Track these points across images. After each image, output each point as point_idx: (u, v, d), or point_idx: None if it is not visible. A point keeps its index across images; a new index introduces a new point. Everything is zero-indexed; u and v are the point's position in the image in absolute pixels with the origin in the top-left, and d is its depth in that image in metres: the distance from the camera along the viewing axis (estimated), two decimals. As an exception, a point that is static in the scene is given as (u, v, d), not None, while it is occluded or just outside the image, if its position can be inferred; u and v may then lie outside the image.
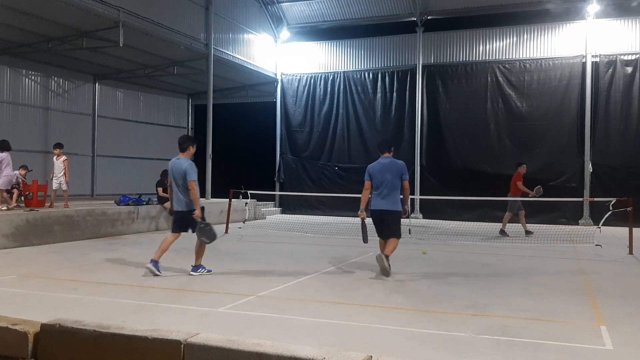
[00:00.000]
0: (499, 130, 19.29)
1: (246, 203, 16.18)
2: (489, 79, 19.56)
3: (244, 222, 15.30)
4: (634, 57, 18.09)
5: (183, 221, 7.90)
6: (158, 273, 7.75)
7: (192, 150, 8.06)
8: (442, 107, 20.25)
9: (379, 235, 8.29)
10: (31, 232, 10.88)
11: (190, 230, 7.88)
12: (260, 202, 18.59)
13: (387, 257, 7.92)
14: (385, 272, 7.91)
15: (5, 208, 11.82)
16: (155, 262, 7.81)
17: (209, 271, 8.03)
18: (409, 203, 8.65)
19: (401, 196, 8.28)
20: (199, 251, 7.96)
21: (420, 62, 20.51)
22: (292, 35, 22.56)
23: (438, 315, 5.79)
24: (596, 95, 18.30)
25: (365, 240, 8.33)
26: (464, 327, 5.23)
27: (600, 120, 18.27)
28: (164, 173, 15.21)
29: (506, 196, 14.98)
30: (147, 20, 15.60)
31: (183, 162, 7.83)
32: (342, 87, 21.67)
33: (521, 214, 14.27)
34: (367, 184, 8.37)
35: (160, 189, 14.79)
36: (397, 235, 8.15)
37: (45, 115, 18.66)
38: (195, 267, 8.00)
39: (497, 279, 8.12)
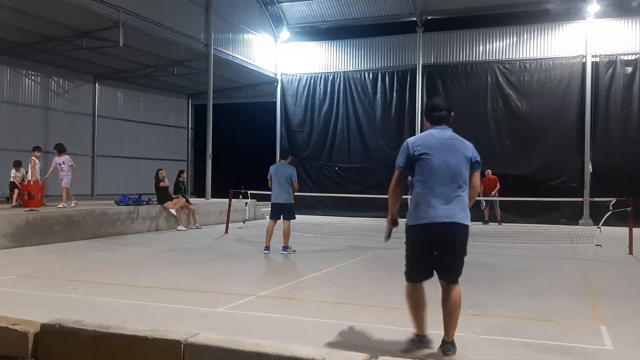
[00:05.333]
0: (499, 130, 19.29)
1: (246, 203, 16.17)
2: (489, 79, 19.56)
3: (244, 222, 15.29)
4: (634, 57, 18.09)
5: (280, 210, 10.12)
6: (267, 252, 10.22)
7: (290, 158, 10.47)
8: (442, 107, 20.21)
9: (424, 275, 4.68)
10: (31, 232, 10.87)
11: (281, 217, 10.15)
12: (260, 202, 18.55)
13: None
14: None
15: (73, 204, 12.43)
16: (267, 247, 10.26)
17: (294, 250, 10.26)
18: None
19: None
20: (287, 235, 10.13)
21: (420, 62, 20.51)
22: (292, 35, 22.56)
23: (438, 315, 5.78)
24: (596, 95, 18.30)
25: None
26: (464, 327, 5.22)
27: (600, 120, 18.27)
28: (158, 171, 15.26)
29: (508, 196, 15.60)
30: (147, 20, 15.60)
31: (288, 166, 10.17)
32: (342, 87, 21.68)
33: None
34: (402, 174, 4.60)
35: (162, 186, 14.80)
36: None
37: (45, 115, 18.65)
38: (285, 247, 10.20)
39: (497, 279, 8.11)
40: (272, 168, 10.32)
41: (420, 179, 4.34)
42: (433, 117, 4.53)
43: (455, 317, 4.49)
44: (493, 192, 17.37)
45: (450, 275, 4.53)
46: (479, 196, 16.47)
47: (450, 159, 4.30)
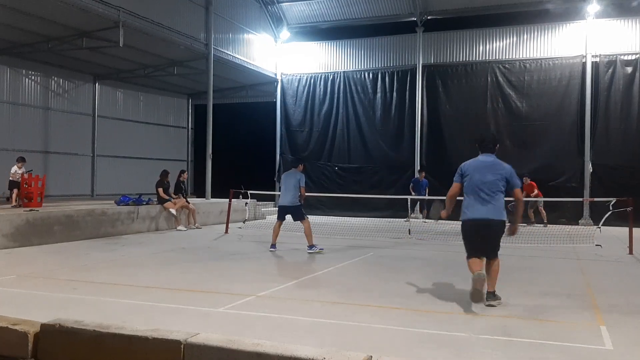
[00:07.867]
0: (499, 130, 19.24)
1: (246, 203, 16.17)
2: (489, 79, 19.57)
3: (244, 222, 15.29)
4: (634, 57, 18.10)
5: (285, 212, 10.63)
6: (272, 250, 10.50)
7: (300, 167, 10.93)
8: (442, 107, 20.26)
9: (472, 253, 6.30)
10: (31, 232, 10.87)
11: (292, 218, 10.67)
12: (260, 202, 18.57)
13: (488, 291, 6.13)
14: (478, 297, 5.92)
15: None
16: (273, 245, 10.58)
17: (321, 249, 10.32)
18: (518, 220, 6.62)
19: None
20: (308, 235, 10.34)
21: (420, 62, 20.52)
22: (292, 35, 22.56)
23: (438, 315, 5.79)
24: (596, 95, 18.31)
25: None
26: (464, 327, 5.23)
27: (600, 120, 18.28)
28: (164, 173, 15.21)
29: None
30: (147, 20, 15.60)
31: (298, 173, 10.67)
32: (342, 87, 21.69)
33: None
34: (456, 186, 6.47)
35: (160, 189, 14.77)
36: (497, 253, 6.34)
37: (45, 115, 18.66)
38: (310, 247, 10.34)
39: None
40: (283, 175, 11.12)
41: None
42: (482, 147, 6.50)
43: (495, 275, 6.31)
44: (532, 194, 16.85)
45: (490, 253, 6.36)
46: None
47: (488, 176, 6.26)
